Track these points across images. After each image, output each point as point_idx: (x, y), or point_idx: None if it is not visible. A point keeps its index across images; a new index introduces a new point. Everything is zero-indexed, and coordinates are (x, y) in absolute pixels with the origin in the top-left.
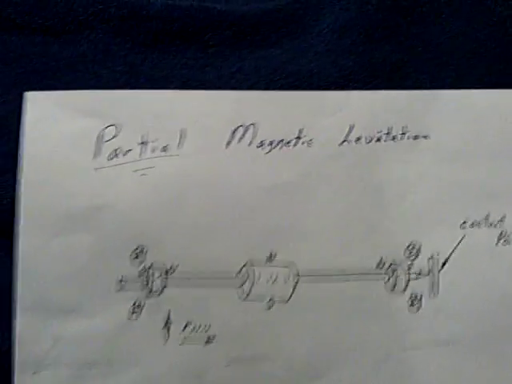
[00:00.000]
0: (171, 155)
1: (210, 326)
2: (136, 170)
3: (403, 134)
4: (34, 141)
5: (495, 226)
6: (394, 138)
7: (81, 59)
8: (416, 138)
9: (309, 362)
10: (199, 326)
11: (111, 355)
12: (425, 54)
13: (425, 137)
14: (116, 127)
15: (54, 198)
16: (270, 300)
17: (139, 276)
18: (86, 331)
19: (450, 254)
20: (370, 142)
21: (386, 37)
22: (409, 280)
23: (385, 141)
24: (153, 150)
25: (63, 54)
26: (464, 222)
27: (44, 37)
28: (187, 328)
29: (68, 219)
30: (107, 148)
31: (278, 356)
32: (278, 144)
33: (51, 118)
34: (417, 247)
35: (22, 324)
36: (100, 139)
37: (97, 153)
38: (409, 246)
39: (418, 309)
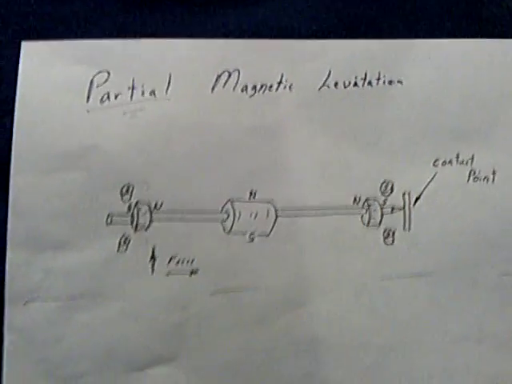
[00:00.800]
0: (159, 99)
1: (194, 259)
2: (125, 113)
3: (378, 79)
4: (29, 86)
5: (465, 164)
6: (369, 83)
7: (74, 18)
8: (390, 83)
9: (289, 293)
10: (184, 260)
11: (99, 287)
12: (400, 9)
13: (399, 82)
14: (107, 73)
15: (46, 139)
16: (252, 234)
17: (127, 212)
18: (76, 264)
19: (423, 190)
20: (348, 86)
21: None
22: (382, 214)
23: (361, 86)
24: (141, 94)
25: (57, 13)
26: (436, 161)
27: None
28: (172, 261)
29: (60, 158)
30: (99, 92)
31: (260, 286)
32: (260, 88)
33: (46, 65)
34: (391, 184)
35: (13, 257)
36: (92, 84)
37: (89, 96)
38: (383, 183)
39: (393, 242)
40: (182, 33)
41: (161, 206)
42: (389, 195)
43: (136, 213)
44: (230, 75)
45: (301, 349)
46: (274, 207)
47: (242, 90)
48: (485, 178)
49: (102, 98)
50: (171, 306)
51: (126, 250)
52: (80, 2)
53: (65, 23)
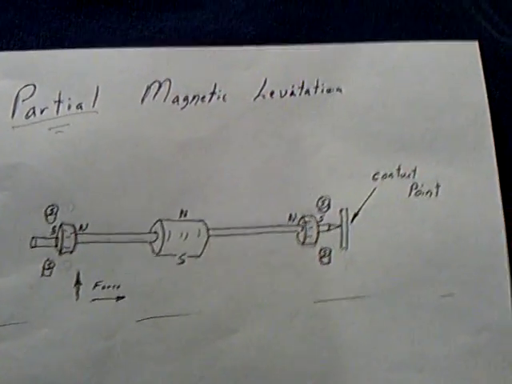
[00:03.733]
0: (86, 112)
1: (120, 284)
2: (51, 128)
3: (316, 87)
4: None
5: (407, 177)
6: (307, 92)
7: (7, 26)
8: (329, 91)
9: (221, 318)
10: (110, 285)
11: (24, 313)
12: (343, 10)
13: (338, 90)
14: (33, 86)
15: None
16: (182, 255)
17: (51, 234)
18: None
19: (361, 206)
20: (284, 96)
21: None
22: (318, 232)
23: (299, 95)
24: (68, 108)
25: None
26: (376, 174)
27: None
28: (97, 286)
29: None
30: (24, 107)
31: (191, 312)
32: (192, 99)
33: None
34: (328, 200)
35: None
36: (18, 98)
37: (14, 112)
38: (320, 199)
39: (329, 262)
40: (119, 39)
41: (86, 227)
42: (326, 212)
43: (61, 235)
44: (160, 86)
45: (232, 377)
46: (206, 226)
47: (174, 102)
48: (428, 191)
49: (27, 114)
50: (96, 333)
51: (50, 274)
52: (14, 10)
53: None
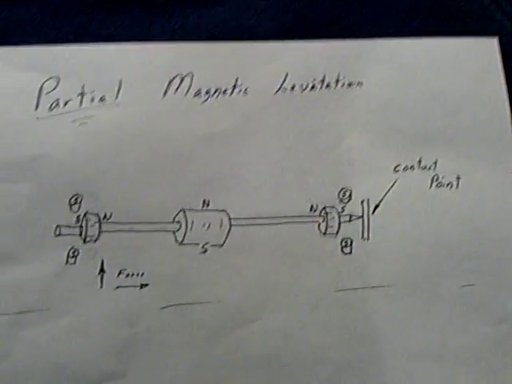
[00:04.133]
0: (109, 105)
1: (144, 272)
2: (74, 120)
3: (337, 81)
4: None
5: (428, 169)
6: (328, 86)
7: (31, 21)
8: (350, 85)
9: (243, 306)
10: (133, 273)
11: (48, 301)
12: (362, 8)
13: (358, 84)
14: (56, 79)
15: None
16: (205, 245)
17: (75, 223)
18: (24, 277)
19: (383, 197)
20: (305, 90)
21: None
22: (340, 223)
23: (319, 89)
24: (91, 101)
25: (14, 17)
26: (397, 166)
27: None
28: (122, 274)
29: (8, 169)
30: (48, 99)
31: (213, 300)
32: (214, 93)
33: None
34: (349, 191)
35: None
36: (41, 91)
37: (38, 104)
38: (341, 190)
39: (350, 252)
40: (140, 34)
41: (110, 216)
42: (347, 203)
43: (85, 224)
44: (182, 80)
45: (254, 365)
46: (228, 216)
47: (195, 95)
48: (448, 183)
49: (51, 106)
50: (120, 320)
51: (74, 262)
52: (37, 5)
53: (22, 27)
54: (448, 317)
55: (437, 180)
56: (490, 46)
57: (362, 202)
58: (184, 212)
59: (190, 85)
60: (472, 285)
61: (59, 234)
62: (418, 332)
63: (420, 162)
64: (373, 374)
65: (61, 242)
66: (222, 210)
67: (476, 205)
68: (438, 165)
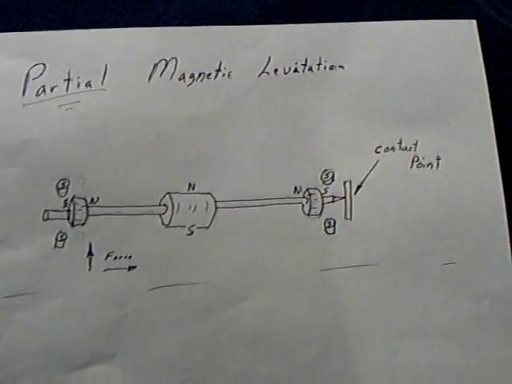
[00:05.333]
0: (95, 90)
1: (132, 254)
2: (61, 105)
3: (319, 64)
4: None
5: (409, 150)
6: (310, 69)
7: (16, 8)
8: (331, 68)
9: (230, 287)
10: (121, 255)
11: (38, 284)
12: None
13: (340, 67)
14: (43, 65)
15: None
16: (191, 227)
17: (63, 207)
18: (13, 261)
19: (364, 178)
20: (288, 73)
21: None
22: (323, 204)
23: (302, 72)
24: (77, 86)
25: None
26: (378, 148)
27: None
28: (109, 257)
29: None
30: (35, 85)
31: (200, 281)
32: (198, 76)
33: None
34: (332, 173)
35: None
36: (28, 77)
37: (25, 90)
38: (324, 172)
39: (334, 232)
40: (124, 21)
41: (97, 200)
42: (330, 184)
43: (72, 208)
44: (167, 64)
45: (241, 344)
46: (214, 199)
47: (180, 79)
48: (429, 164)
49: (37, 91)
50: (109, 302)
51: (62, 246)
52: None
53: (7, 15)
54: (430, 294)
55: (417, 160)
56: (469, 29)
57: (345, 183)
58: (170, 195)
59: (175, 69)
60: (453, 263)
61: (47, 219)
62: (401, 309)
63: (401, 142)
64: (358, 351)
65: (49, 226)
66: (208, 193)
67: (456, 184)
68: (418, 145)
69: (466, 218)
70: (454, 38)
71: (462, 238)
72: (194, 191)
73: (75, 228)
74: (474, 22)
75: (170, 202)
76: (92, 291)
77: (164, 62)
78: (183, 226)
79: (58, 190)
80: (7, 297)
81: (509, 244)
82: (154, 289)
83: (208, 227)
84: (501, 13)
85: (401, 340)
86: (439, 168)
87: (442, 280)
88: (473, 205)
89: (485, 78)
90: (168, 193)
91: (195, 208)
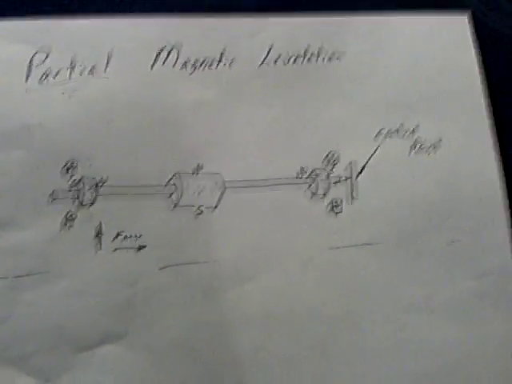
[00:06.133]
0: (98, 77)
1: (141, 234)
2: (64, 92)
3: (319, 54)
4: None
5: (409, 134)
6: (310, 59)
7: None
8: (331, 58)
9: (238, 266)
10: (130, 235)
11: (47, 264)
12: None
13: (339, 58)
14: (46, 52)
15: None
16: (200, 207)
17: (70, 189)
18: (21, 242)
19: (367, 161)
20: (288, 62)
21: None
22: (328, 186)
23: (301, 62)
24: (80, 73)
25: None
26: (380, 131)
27: None
28: (119, 237)
29: (1, 138)
30: (38, 71)
31: (208, 260)
32: (200, 65)
33: None
34: (335, 156)
35: None
36: (31, 63)
37: (28, 76)
38: (328, 155)
39: (339, 213)
40: (124, 9)
41: (106, 181)
42: (334, 166)
43: (81, 188)
44: (169, 52)
45: (250, 323)
46: (222, 179)
47: (182, 67)
48: (430, 146)
49: (41, 78)
50: (119, 282)
51: (71, 226)
52: None
53: (12, 2)
54: (434, 272)
55: (419, 143)
56: (462, 21)
57: (350, 163)
58: (179, 174)
59: (177, 57)
60: (456, 241)
61: (55, 199)
62: (406, 286)
63: (402, 126)
64: (365, 327)
65: (57, 207)
66: (216, 173)
67: (455, 168)
68: (418, 130)
69: (466, 200)
70: (448, 30)
71: (463, 218)
72: (202, 172)
73: (84, 208)
74: (467, 15)
75: (178, 181)
76: (101, 271)
77: (166, 51)
78: (192, 206)
79: (67, 169)
80: (16, 277)
81: (508, 223)
82: (164, 268)
83: (216, 207)
84: (491, 9)
85: (406, 316)
86: (439, 152)
87: (445, 258)
88: (472, 187)
89: (477, 67)
90: (175, 175)
91: (203, 188)
